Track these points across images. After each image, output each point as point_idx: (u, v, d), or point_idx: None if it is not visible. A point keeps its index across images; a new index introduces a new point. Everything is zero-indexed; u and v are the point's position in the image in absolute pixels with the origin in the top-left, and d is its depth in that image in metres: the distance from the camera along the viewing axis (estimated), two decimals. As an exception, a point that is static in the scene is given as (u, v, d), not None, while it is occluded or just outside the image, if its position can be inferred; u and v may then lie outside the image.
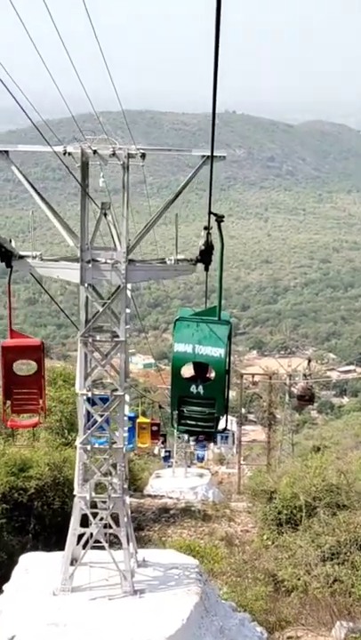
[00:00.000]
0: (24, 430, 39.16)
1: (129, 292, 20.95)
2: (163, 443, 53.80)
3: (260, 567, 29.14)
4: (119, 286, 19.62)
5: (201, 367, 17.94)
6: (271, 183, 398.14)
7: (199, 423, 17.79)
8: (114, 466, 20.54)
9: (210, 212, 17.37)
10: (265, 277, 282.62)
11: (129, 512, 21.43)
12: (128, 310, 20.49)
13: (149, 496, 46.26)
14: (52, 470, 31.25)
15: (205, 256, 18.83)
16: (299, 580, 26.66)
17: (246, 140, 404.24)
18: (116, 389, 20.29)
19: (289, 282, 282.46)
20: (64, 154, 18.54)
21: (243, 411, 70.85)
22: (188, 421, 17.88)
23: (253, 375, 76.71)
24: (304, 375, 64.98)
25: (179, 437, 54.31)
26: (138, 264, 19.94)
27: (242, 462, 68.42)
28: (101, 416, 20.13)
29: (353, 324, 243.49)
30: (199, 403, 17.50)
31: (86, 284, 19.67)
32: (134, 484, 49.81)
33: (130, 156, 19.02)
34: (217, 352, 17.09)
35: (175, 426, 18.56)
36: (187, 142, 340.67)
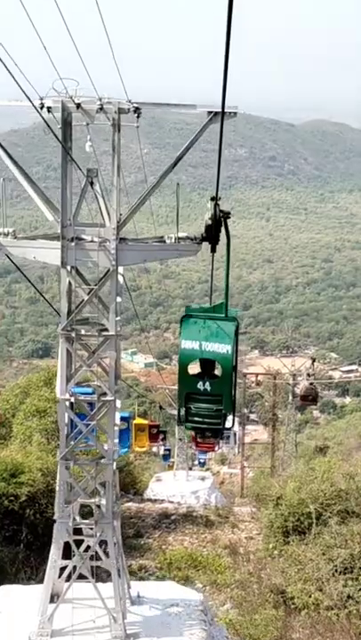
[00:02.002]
0: (18, 433, 37.78)
1: (120, 277, 18.33)
2: (162, 440, 51.80)
3: (266, 582, 27.38)
4: (108, 270, 17.23)
5: (208, 364, 17.63)
6: (273, 183, 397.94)
7: (206, 420, 17.49)
8: (102, 485, 18.37)
9: (218, 180, 16.33)
10: (267, 277, 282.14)
11: (120, 539, 19.24)
12: (119, 299, 17.90)
13: (149, 500, 44.68)
14: (46, 476, 29.00)
15: (212, 233, 16.80)
16: (310, 597, 24.87)
17: (248, 139, 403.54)
18: (105, 393, 18.00)
19: (291, 281, 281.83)
20: (41, 108, 15.88)
21: (245, 410, 69.34)
22: (196, 418, 17.53)
23: (257, 375, 75.57)
24: (308, 375, 63.58)
25: (180, 439, 52.96)
26: (130, 243, 17.55)
27: (244, 464, 67.14)
28: (87, 425, 17.95)
29: (355, 323, 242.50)
30: (206, 399, 17.25)
31: (69, 267, 17.28)
32: (134, 488, 48.69)
33: (121, 111, 16.44)
34: (224, 349, 16.83)
35: (183, 422, 18.29)
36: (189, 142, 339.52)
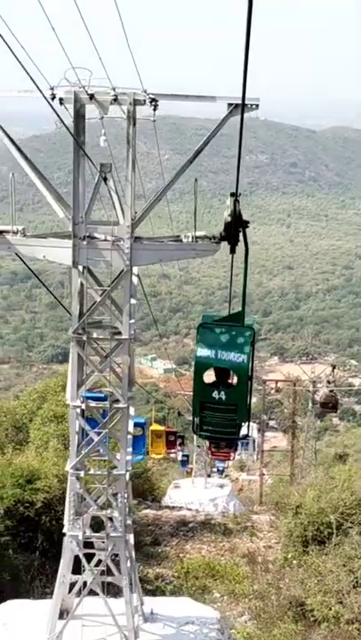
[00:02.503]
0: (35, 438, 37.42)
1: (135, 278, 17.89)
2: (180, 445, 50.99)
3: (285, 593, 26.86)
4: (122, 270, 16.63)
5: (223, 373, 17.26)
6: (294, 189, 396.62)
7: (220, 429, 17.23)
8: (114, 496, 17.85)
9: (238, 175, 15.63)
10: (287, 283, 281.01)
11: (133, 554, 18.99)
12: (134, 301, 17.41)
13: (167, 507, 44.29)
14: (62, 482, 28.27)
15: (232, 231, 16.05)
16: (330, 609, 24.33)
17: (269, 145, 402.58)
18: (118, 400, 17.45)
19: (311, 288, 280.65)
20: (52, 99, 15.13)
21: (264, 417, 68.88)
22: (210, 427, 17.20)
23: (277, 382, 75.00)
24: (328, 382, 62.90)
25: (198, 446, 52.54)
26: (145, 242, 16.91)
27: (263, 471, 66.61)
28: (99, 434, 17.35)
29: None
30: (221, 408, 16.89)
31: (80, 267, 16.66)
32: (152, 494, 48.46)
33: (136, 102, 15.73)
34: (240, 358, 16.56)
35: (197, 431, 17.79)
36: (209, 147, 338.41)
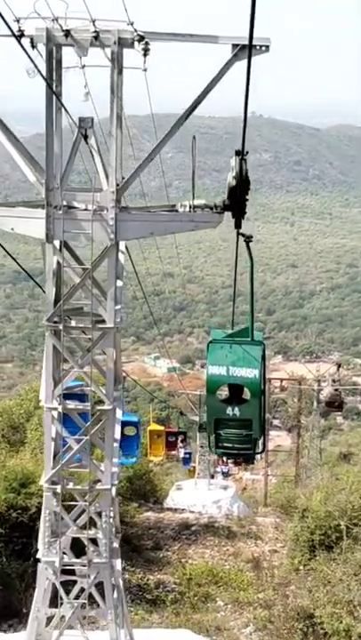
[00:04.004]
0: (32, 439, 36.26)
1: (121, 256, 15.28)
2: (182, 442, 49.42)
3: (293, 602, 25.63)
4: (107, 245, 14.35)
5: (236, 389, 17.07)
6: (298, 187, 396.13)
7: (236, 445, 16.74)
8: (98, 515, 15.62)
9: (245, 128, 13.92)
10: (291, 282, 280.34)
11: (120, 582, 16.40)
12: (120, 283, 14.88)
13: (169, 510, 43.27)
14: None
15: (237, 197, 14.06)
16: (340, 622, 23.03)
17: (273, 144, 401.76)
18: (101, 401, 15.32)
19: (315, 286, 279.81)
20: (20, 37, 12.42)
21: (268, 416, 67.78)
22: (226, 444, 16.73)
23: (282, 380, 73.95)
24: (333, 381, 62.09)
25: (201, 446, 51.44)
26: (133, 212, 14.65)
27: (268, 471, 65.66)
28: (79, 441, 15.08)
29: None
30: (236, 425, 16.53)
31: (56, 242, 14.36)
32: (154, 496, 47.36)
33: (122, 42, 13.33)
34: (251, 373, 16.20)
35: (213, 449, 17.33)
36: (213, 146, 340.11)
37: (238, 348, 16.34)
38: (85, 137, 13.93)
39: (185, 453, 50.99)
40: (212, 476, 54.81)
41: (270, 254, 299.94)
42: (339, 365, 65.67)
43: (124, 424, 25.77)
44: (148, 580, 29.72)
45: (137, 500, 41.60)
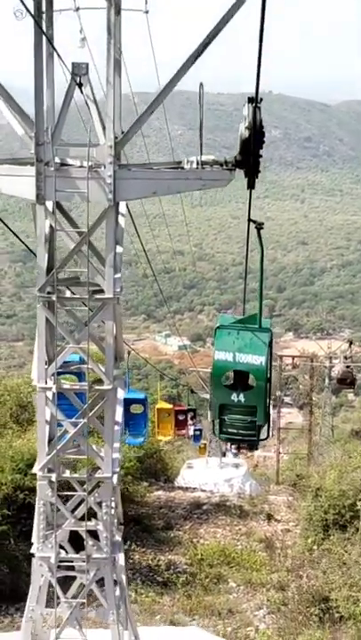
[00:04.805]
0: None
1: (121, 219, 13.95)
2: (192, 419, 48.49)
3: (307, 584, 25.12)
4: (105, 207, 13.08)
5: (242, 375, 16.88)
6: (308, 164, 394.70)
7: (241, 431, 16.63)
8: (98, 505, 14.50)
9: (259, 69, 12.44)
10: (301, 259, 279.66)
11: (123, 578, 15.16)
12: (120, 249, 13.57)
13: (180, 488, 42.84)
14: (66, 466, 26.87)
15: (251, 151, 12.88)
16: (357, 605, 22.50)
17: (282, 120, 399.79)
18: (100, 380, 14.04)
19: (326, 263, 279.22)
20: None
21: (279, 393, 67.43)
22: (230, 429, 16.64)
23: (294, 357, 73.48)
24: (345, 357, 61.76)
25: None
26: (134, 169, 13.40)
27: (279, 448, 65.19)
28: (76, 425, 13.91)
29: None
30: (240, 411, 16.43)
31: (48, 204, 13.16)
32: (165, 474, 47.28)
33: None
34: (258, 360, 16.17)
35: (217, 434, 17.34)
36: (223, 123, 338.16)
37: (246, 335, 16.26)
38: (80, 85, 12.74)
39: (195, 430, 50.10)
40: (224, 454, 54.22)
41: (280, 231, 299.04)
42: (350, 342, 65.28)
43: (131, 402, 25.11)
44: (158, 560, 29.25)
45: (148, 479, 41.16)
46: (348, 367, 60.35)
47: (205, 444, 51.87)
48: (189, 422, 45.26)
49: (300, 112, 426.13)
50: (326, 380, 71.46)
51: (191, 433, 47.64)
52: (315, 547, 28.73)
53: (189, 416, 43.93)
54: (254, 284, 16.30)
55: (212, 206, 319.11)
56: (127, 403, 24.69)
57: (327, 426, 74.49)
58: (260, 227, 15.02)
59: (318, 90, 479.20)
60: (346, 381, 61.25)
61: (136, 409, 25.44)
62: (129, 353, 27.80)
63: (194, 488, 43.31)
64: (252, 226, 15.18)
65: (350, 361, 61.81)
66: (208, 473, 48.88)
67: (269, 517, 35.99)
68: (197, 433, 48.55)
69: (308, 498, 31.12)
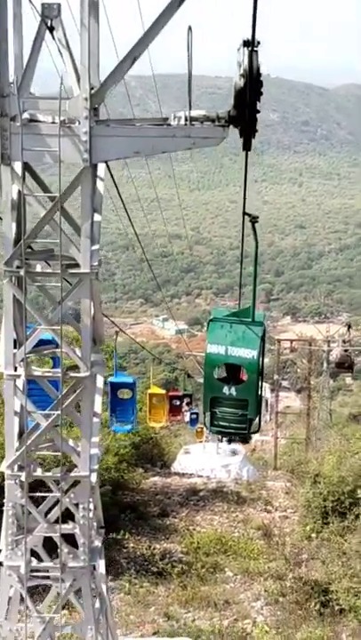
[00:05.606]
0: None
1: (101, 185, 12.42)
2: (188, 405, 47.55)
3: (305, 575, 24.54)
4: (81, 169, 11.61)
5: (234, 369, 16.91)
6: (305, 148, 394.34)
7: (232, 425, 16.45)
8: (76, 507, 12.98)
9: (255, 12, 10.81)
10: (299, 243, 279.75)
11: (104, 588, 13.81)
12: (98, 217, 11.97)
13: (177, 474, 42.28)
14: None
15: (246, 102, 11.37)
16: (358, 597, 21.91)
17: (280, 103, 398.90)
18: (75, 367, 12.59)
19: (323, 247, 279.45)
20: None
21: (276, 377, 67.06)
22: (221, 422, 16.45)
23: (292, 341, 73.08)
24: (343, 341, 61.31)
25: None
26: (114, 126, 11.70)
27: (277, 433, 64.77)
28: (49, 417, 12.38)
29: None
30: (232, 404, 16.29)
31: (15, 164, 11.55)
32: (161, 460, 46.92)
33: None
34: (250, 354, 16.00)
35: (208, 427, 17.08)
36: (219, 106, 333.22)
37: (238, 328, 16.13)
38: (51, 29, 11.17)
39: (191, 414, 49.39)
40: (221, 440, 53.80)
41: (278, 215, 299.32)
42: (349, 326, 64.90)
43: (119, 386, 24.29)
44: (154, 549, 28.66)
45: (144, 465, 40.63)
46: (346, 351, 59.99)
47: (202, 428, 51.22)
48: (185, 408, 44.33)
49: (299, 95, 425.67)
50: (324, 364, 71.14)
51: (187, 419, 46.99)
52: (313, 534, 28.24)
53: (185, 402, 43.03)
54: (251, 267, 15.97)
55: (209, 190, 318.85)
56: (115, 387, 23.99)
57: (325, 410, 74.24)
58: (254, 220, 14.62)
59: (316, 73, 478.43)
60: (344, 365, 60.90)
61: (124, 394, 24.52)
62: (117, 334, 27.08)
63: (190, 474, 42.72)
64: (248, 221, 14.77)
65: (348, 345, 61.42)
66: (205, 458, 48.36)
67: (267, 504, 35.46)
68: (194, 417, 47.89)
69: (306, 484, 30.70)
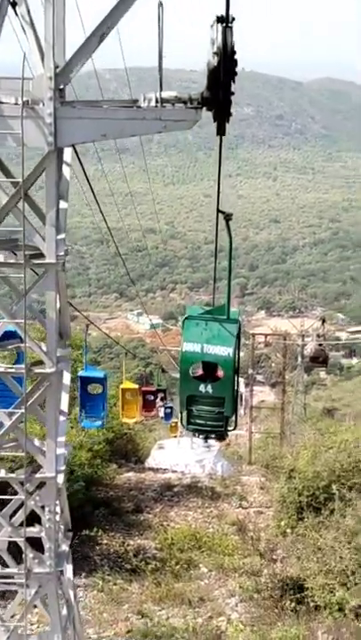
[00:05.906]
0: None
1: (67, 170, 11.92)
2: (162, 400, 47.12)
3: (281, 571, 24.34)
4: (45, 153, 10.93)
5: (210, 366, 16.59)
6: (280, 142, 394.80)
7: (208, 422, 16.34)
8: (42, 509, 12.54)
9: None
10: (273, 237, 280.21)
11: (72, 595, 13.30)
12: (64, 204, 11.48)
13: (151, 470, 42.11)
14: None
15: (220, 82, 10.57)
16: (333, 594, 21.69)
17: (255, 97, 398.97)
18: (40, 363, 12.03)
19: (298, 241, 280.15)
20: None
21: (251, 372, 67.06)
22: (198, 420, 16.33)
23: (266, 335, 73.02)
24: (318, 336, 61.22)
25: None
26: (80, 107, 10.96)
27: (251, 427, 64.70)
28: (12, 415, 11.80)
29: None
30: (208, 402, 16.13)
31: None
32: (135, 455, 46.83)
33: None
34: (225, 351, 15.86)
35: (185, 425, 16.90)
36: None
37: (214, 326, 15.99)
38: (14, 4, 10.55)
39: (166, 408, 48.97)
40: (197, 436, 53.60)
41: (253, 210, 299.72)
42: (323, 320, 64.69)
43: (89, 381, 23.91)
44: (127, 545, 28.37)
45: (118, 461, 40.41)
46: (320, 345, 59.79)
47: (176, 423, 50.96)
48: (159, 403, 43.92)
49: (273, 89, 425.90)
50: (299, 359, 71.57)
51: (161, 414, 46.71)
52: (288, 530, 27.98)
53: (159, 397, 42.67)
54: (226, 262, 15.93)
55: (183, 184, 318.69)
56: (85, 382, 23.68)
57: (299, 404, 74.62)
58: (228, 218, 14.54)
59: (290, 67, 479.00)
60: (318, 359, 60.69)
61: (94, 389, 24.19)
62: (87, 327, 26.79)
63: (165, 469, 42.66)
64: (222, 219, 14.63)
65: (323, 339, 61.27)
66: (179, 453, 48.27)
67: (242, 499, 35.37)
68: (168, 411, 47.59)
69: (281, 479, 30.32)
